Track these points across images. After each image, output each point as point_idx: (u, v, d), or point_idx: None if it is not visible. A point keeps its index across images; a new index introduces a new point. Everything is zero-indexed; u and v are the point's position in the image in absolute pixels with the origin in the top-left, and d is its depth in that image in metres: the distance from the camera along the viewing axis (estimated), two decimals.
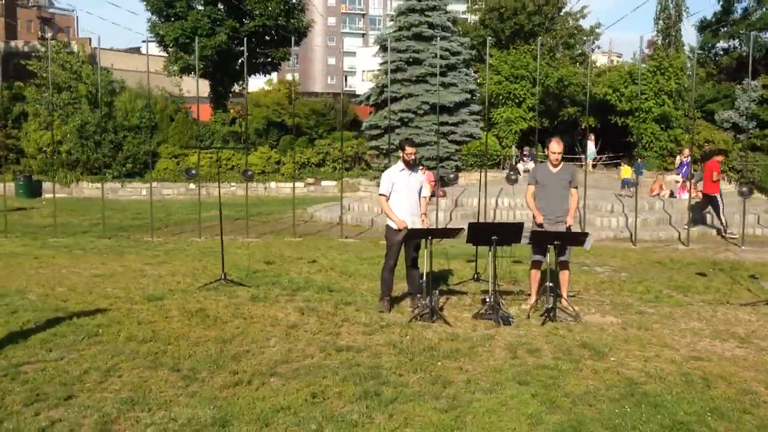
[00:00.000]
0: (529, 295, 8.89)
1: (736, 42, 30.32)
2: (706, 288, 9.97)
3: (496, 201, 18.89)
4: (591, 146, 27.29)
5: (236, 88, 34.07)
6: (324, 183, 29.14)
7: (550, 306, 7.96)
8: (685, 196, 18.58)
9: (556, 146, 8.38)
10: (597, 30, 31.87)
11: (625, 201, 18.15)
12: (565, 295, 8.50)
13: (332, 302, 8.61)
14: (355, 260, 12.09)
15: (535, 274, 8.65)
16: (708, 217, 16.83)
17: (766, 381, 5.96)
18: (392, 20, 28.27)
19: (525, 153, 27.27)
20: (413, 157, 8.33)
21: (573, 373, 6.08)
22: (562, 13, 31.41)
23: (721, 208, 15.81)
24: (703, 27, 31.48)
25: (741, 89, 26.80)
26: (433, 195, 19.11)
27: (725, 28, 29.61)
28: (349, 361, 6.35)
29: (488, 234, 7.76)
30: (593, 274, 11.03)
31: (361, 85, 75.85)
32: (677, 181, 19.51)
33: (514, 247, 10.13)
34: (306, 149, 28.77)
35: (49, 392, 5.48)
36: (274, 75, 44.52)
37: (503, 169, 27.86)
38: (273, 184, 29.13)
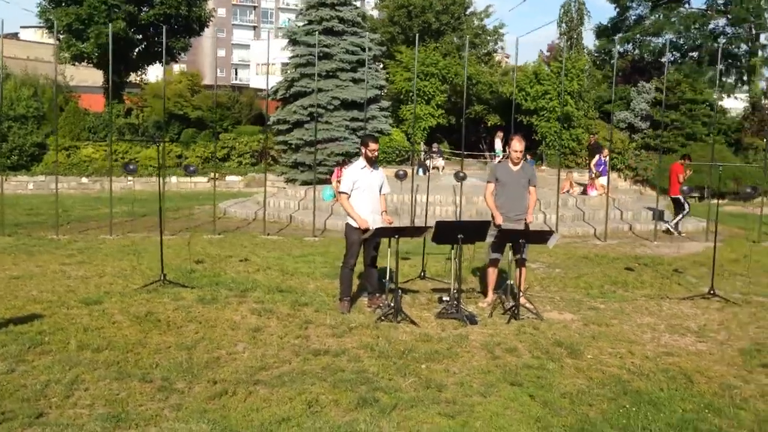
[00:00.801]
0: (481, 293, 8.86)
1: (630, 46, 31.67)
2: (641, 283, 10.27)
3: (413, 197, 18.85)
4: (498, 144, 27.87)
5: (132, 77, 32.62)
6: (229, 178, 28.41)
7: (512, 304, 7.96)
8: (594, 193, 19.21)
9: (518, 144, 8.37)
10: (500, 30, 32.57)
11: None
12: (522, 292, 8.52)
13: (287, 303, 8.28)
14: (288, 258, 11.75)
15: (493, 272, 8.63)
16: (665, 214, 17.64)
17: (739, 375, 6.14)
18: (301, 14, 27.82)
19: (434, 150, 27.48)
20: (376, 153, 8.12)
21: (559, 372, 6.06)
22: (467, 13, 31.88)
23: (686, 210, 16.50)
24: (599, 32, 32.75)
25: (636, 91, 28.03)
26: None
27: (620, 34, 30.89)
28: (331, 366, 6.08)
29: (454, 232, 7.65)
30: (530, 270, 11.13)
31: (256, 78, 74.53)
32: (600, 183, 19.82)
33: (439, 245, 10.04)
34: (210, 143, 27.90)
35: (14, 409, 4.93)
36: (176, 67, 43.08)
37: (412, 165, 28.01)
38: (174, 179, 28.11)
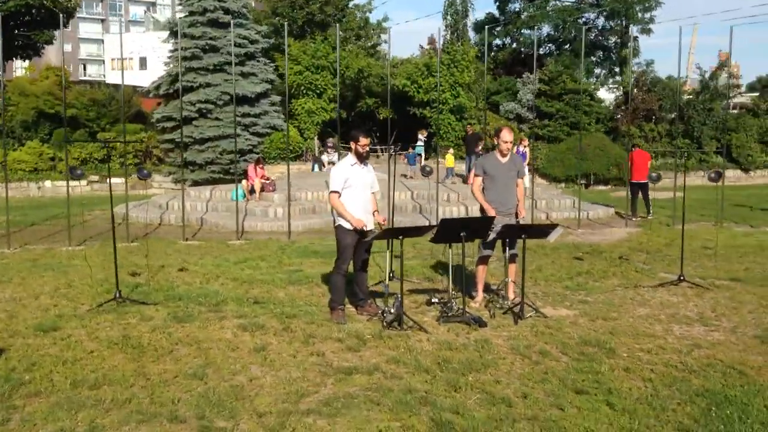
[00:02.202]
0: (457, 292, 8.50)
1: (508, 39, 32.40)
2: (603, 272, 10.24)
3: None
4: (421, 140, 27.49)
5: None
6: (112, 180, 26.49)
7: (514, 302, 7.64)
8: None
9: (508, 135, 8.05)
10: (384, 24, 32.37)
11: (454, 189, 18.48)
12: (513, 288, 8.24)
13: (272, 316, 7.54)
14: (229, 265, 10.90)
15: (483, 270, 8.28)
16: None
17: None
18: (182, 4, 26.36)
19: (329, 144, 26.90)
20: (367, 149, 7.53)
21: (610, 374, 5.76)
22: (351, 6, 31.45)
23: (647, 195, 17.04)
24: (478, 26, 33.28)
25: (522, 82, 28.70)
26: (262, 189, 18.09)
27: (499, 27, 31.54)
28: (374, 386, 5.48)
29: (458, 230, 7.21)
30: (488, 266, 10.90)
31: (112, 74, 70.71)
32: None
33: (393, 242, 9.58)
34: (87, 144, 25.91)
35: None
36: (18, 62, 39.75)
37: (305, 161, 27.28)
38: (48, 183, 25.97)
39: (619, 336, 6.89)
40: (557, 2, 31.62)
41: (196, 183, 24.09)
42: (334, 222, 7.59)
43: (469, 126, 24.75)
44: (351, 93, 28.25)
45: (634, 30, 30.04)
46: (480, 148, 21.32)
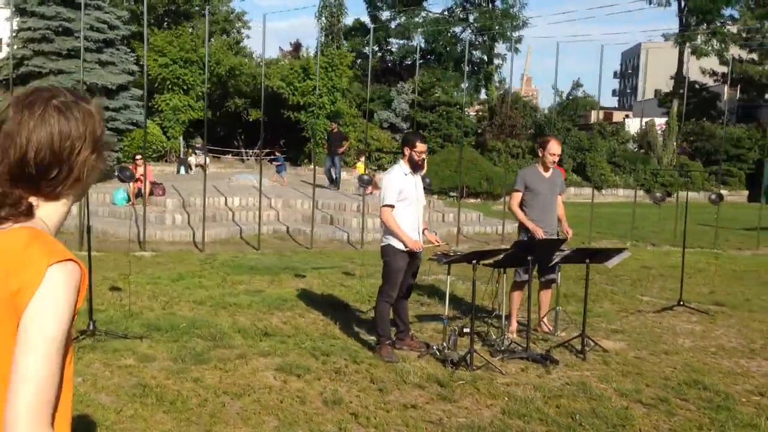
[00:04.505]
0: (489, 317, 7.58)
1: (377, 48, 31.90)
2: (594, 296, 9.72)
3: (226, 200, 16.56)
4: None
5: None
6: None
7: (576, 335, 6.81)
8: None
9: (556, 147, 7.21)
10: (244, 18, 30.67)
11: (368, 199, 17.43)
12: (546, 317, 7.41)
13: (302, 353, 6.16)
14: (168, 283, 9.27)
15: (518, 296, 7.38)
16: None
17: None
18: None
19: (198, 146, 24.81)
20: (424, 156, 6.36)
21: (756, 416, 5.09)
22: None
23: None
24: (347, 32, 32.47)
25: (396, 91, 28.23)
26: (151, 193, 16.07)
27: (369, 35, 30.93)
28: None
29: (527, 253, 6.26)
30: (466, 288, 10.00)
31: None
32: None
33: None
34: None
35: None
36: None
37: (167, 162, 25.00)
38: None
39: (705, 374, 6.25)
40: (426, 13, 31.61)
41: None
42: (382, 240, 6.36)
43: (333, 124, 23.76)
44: (219, 91, 26.31)
45: (504, 47, 30.68)
46: (344, 149, 20.58)
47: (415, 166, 6.34)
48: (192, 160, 24.00)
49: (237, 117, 27.58)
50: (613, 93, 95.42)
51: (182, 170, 23.49)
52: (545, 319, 7.43)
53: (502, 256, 6.27)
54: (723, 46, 33.26)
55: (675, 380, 5.96)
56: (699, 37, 33.10)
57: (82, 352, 5.84)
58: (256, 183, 19.38)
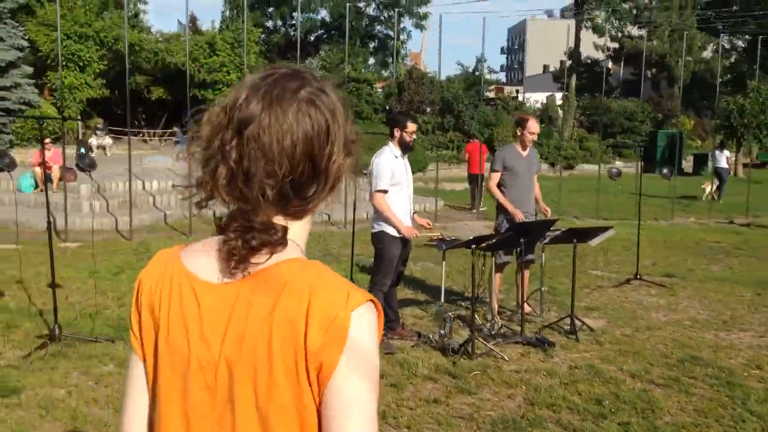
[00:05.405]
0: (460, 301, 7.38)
1: (280, 23, 31.05)
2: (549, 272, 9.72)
3: (144, 184, 15.64)
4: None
5: None
6: None
7: (564, 315, 6.70)
8: None
9: (536, 126, 7.06)
10: None
11: None
12: (526, 298, 7.28)
13: None
14: (109, 276, 8.63)
15: (500, 279, 7.20)
16: None
17: None
18: None
19: (99, 127, 23.37)
20: (414, 137, 6.02)
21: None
22: None
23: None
24: (251, 5, 31.41)
25: (304, 68, 27.61)
26: (61, 178, 14.99)
27: (271, 8, 30.09)
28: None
29: (519, 236, 6.05)
30: (425, 270, 9.74)
31: None
32: None
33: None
34: None
35: None
36: None
37: (66, 144, 23.39)
38: None
39: (697, 350, 6.27)
40: None
41: None
42: (374, 227, 6.00)
43: None
44: (117, 68, 24.82)
45: (409, 23, 30.47)
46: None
47: (405, 148, 6.00)
48: (93, 141, 22.59)
49: (138, 95, 26.19)
50: (501, 68, 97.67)
51: (83, 152, 22.07)
52: (528, 300, 7.29)
53: (494, 240, 6.04)
54: (621, 23, 34.35)
55: (674, 357, 5.94)
56: (595, 12, 34.04)
57: (55, 361, 5.22)
58: (170, 165, 18.53)
